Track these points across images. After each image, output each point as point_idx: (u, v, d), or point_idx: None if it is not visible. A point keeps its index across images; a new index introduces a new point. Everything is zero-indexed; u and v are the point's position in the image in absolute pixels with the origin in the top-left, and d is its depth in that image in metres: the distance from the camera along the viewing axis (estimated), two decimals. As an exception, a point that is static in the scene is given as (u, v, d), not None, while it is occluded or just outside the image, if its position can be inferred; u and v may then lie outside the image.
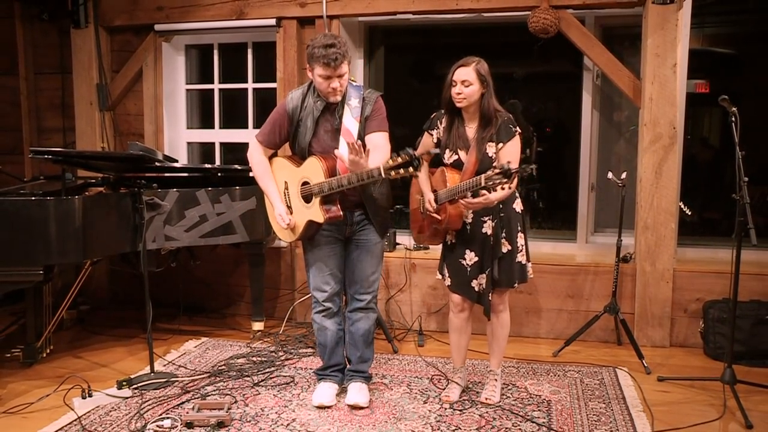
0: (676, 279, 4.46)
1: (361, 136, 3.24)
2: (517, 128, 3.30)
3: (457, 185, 3.20)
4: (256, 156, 3.42)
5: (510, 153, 3.24)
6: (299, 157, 3.35)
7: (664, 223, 4.44)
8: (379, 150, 3.12)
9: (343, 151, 3.15)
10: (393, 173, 2.86)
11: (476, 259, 3.34)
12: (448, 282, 3.46)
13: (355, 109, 3.24)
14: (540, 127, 5.45)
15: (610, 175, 4.28)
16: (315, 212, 3.21)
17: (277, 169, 3.40)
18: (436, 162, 3.51)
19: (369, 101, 3.29)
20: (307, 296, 4.17)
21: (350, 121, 3.24)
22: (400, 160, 2.83)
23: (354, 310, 3.50)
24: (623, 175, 4.22)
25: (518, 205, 3.40)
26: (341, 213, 3.21)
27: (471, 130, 3.34)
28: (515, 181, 3.14)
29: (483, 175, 3.01)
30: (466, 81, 3.22)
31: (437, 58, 5.62)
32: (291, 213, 3.32)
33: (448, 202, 3.27)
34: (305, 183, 3.25)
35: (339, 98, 3.22)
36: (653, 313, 4.49)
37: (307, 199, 3.25)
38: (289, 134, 3.37)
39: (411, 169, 2.83)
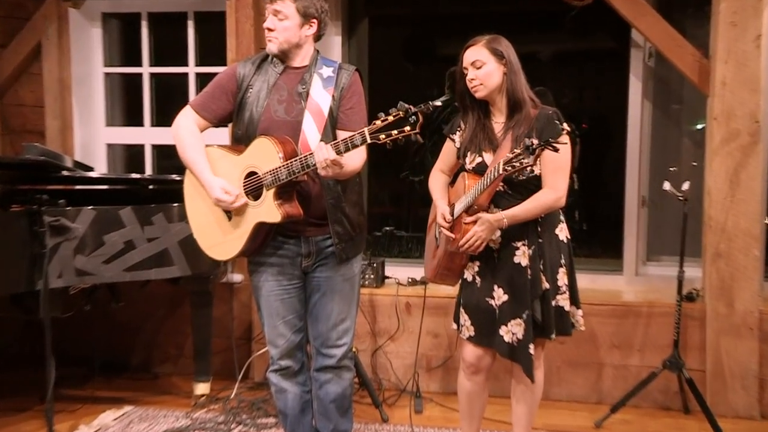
0: (763, 324, 4.39)
1: (334, 115, 3.21)
2: (565, 125, 3.27)
3: (473, 188, 3.21)
4: (184, 121, 3.29)
5: (557, 158, 3.14)
6: (243, 143, 3.24)
7: (743, 248, 4.33)
8: (354, 151, 3.06)
9: (309, 130, 3.14)
10: (382, 137, 2.82)
11: (505, 297, 3.27)
12: (469, 333, 3.38)
13: (328, 80, 3.22)
14: (574, 123, 5.43)
15: (667, 185, 4.22)
16: (267, 210, 3.08)
17: (209, 162, 3.28)
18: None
19: (345, 70, 3.29)
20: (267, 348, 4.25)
21: (321, 94, 3.19)
22: (390, 117, 2.79)
23: (321, 369, 3.40)
24: (685, 186, 4.16)
25: (562, 231, 3.35)
26: (300, 210, 3.12)
27: (499, 125, 3.33)
28: (556, 194, 3.19)
29: (501, 160, 2.99)
30: (477, 61, 3.23)
31: (437, 33, 5.65)
32: (230, 219, 3.22)
33: (465, 212, 3.25)
34: (251, 174, 3.14)
35: (275, 48, 3.21)
36: (733, 371, 4.37)
37: (254, 195, 3.14)
38: (234, 103, 3.27)
39: (407, 128, 2.78)
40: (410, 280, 4.93)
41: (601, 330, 4.56)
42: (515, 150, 2.95)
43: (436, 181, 3.48)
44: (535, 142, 2.89)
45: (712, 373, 4.39)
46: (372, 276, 4.90)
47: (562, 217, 3.36)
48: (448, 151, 3.47)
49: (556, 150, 2.89)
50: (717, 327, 4.38)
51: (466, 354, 3.41)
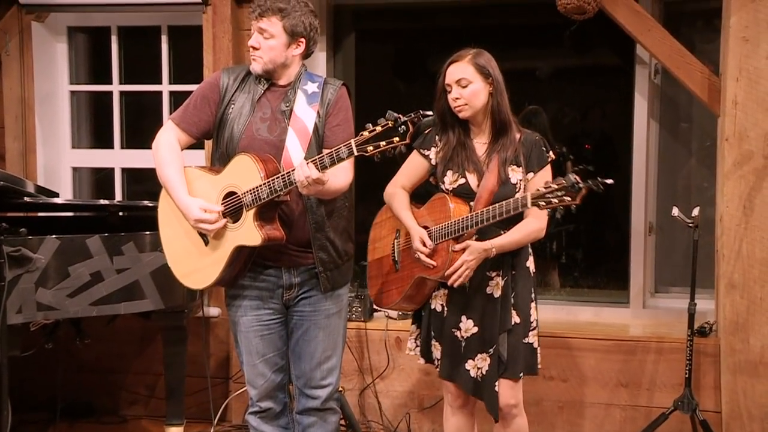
0: (784, 360, 4.33)
1: (319, 132, 3.23)
2: (551, 153, 3.41)
3: (480, 212, 3.19)
4: (165, 136, 3.30)
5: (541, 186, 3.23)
6: (222, 162, 3.26)
7: (759, 279, 4.28)
8: (340, 169, 3.08)
9: (293, 149, 3.16)
10: (370, 148, 2.83)
11: (475, 330, 3.32)
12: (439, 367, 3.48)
13: (313, 96, 3.23)
14: (575, 145, 5.49)
15: (675, 211, 4.20)
16: (247, 233, 3.07)
17: (186, 182, 3.29)
18: (419, 195, 3.59)
19: (331, 85, 3.31)
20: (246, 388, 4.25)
21: (305, 111, 3.20)
22: (379, 128, 2.80)
23: (304, 411, 3.37)
24: (695, 212, 4.16)
25: (531, 263, 3.44)
26: (282, 232, 3.12)
27: (482, 145, 3.38)
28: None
29: (529, 193, 3.04)
30: (463, 79, 3.27)
31: (428, 48, 5.67)
32: (206, 244, 3.20)
33: (452, 239, 3.25)
34: (230, 194, 3.15)
35: (258, 68, 3.24)
36: (751, 412, 4.29)
37: (234, 217, 3.15)
38: (216, 115, 3.27)
39: (396, 138, 2.78)
40: (401, 313, 4.77)
41: (606, 367, 4.52)
42: (551, 185, 2.95)
43: (402, 200, 3.47)
44: (579, 178, 2.88)
45: (728, 414, 4.33)
46: (360, 309, 4.85)
47: (530, 249, 3.42)
48: (417, 166, 3.46)
49: (601, 190, 2.88)
50: (732, 364, 4.32)
51: (450, 386, 3.43)
